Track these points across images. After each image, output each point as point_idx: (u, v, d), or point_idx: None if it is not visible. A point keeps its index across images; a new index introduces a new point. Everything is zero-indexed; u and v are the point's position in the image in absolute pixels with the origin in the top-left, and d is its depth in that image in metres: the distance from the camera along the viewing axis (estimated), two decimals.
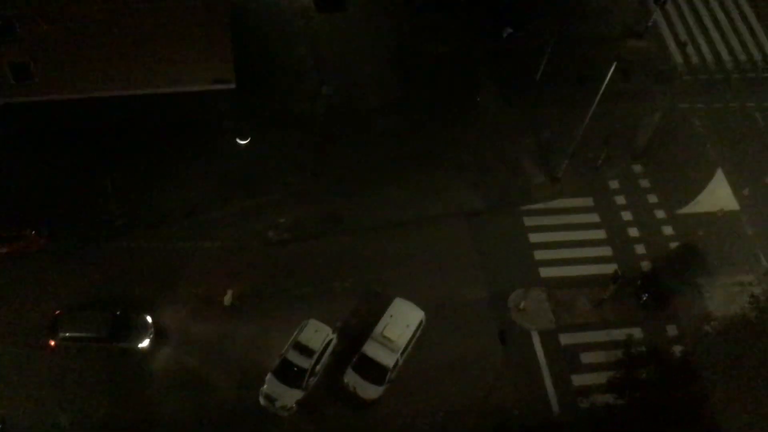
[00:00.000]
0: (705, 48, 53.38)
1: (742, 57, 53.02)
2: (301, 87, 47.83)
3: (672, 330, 41.27)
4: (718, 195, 46.38)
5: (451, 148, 46.52)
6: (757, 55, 53.21)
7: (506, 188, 45.41)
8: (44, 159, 42.86)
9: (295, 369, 36.58)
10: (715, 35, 54.18)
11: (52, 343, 37.12)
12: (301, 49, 49.73)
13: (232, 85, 43.38)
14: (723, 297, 42.29)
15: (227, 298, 39.18)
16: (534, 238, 43.71)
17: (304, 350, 36.90)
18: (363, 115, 47.29)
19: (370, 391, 36.95)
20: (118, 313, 37.78)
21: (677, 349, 40.32)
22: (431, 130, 47.20)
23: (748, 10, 55.68)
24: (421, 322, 38.79)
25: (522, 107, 48.73)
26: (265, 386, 36.62)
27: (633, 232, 44.59)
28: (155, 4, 38.48)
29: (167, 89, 42.62)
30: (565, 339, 40.48)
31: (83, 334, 36.90)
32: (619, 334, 40.36)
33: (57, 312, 37.76)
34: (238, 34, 46.90)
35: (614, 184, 46.34)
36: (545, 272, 42.48)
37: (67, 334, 36.91)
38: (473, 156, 46.41)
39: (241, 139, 40.43)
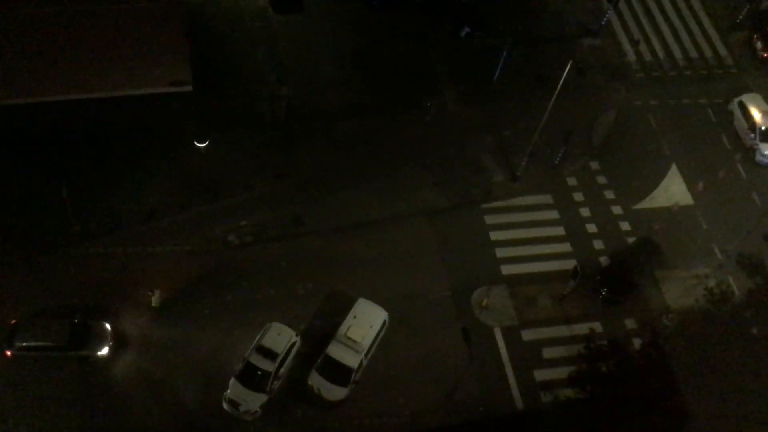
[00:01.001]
0: (658, 46, 54.39)
1: (694, 54, 54.14)
2: (259, 88, 47.52)
3: (630, 323, 41.95)
4: (672, 190, 47.28)
5: (411, 149, 46.66)
6: (708, 53, 54.37)
7: (467, 187, 45.70)
8: None
9: (259, 373, 36.36)
10: (667, 33, 55.24)
11: (8, 353, 36.32)
12: (259, 51, 49.42)
13: (190, 88, 42.91)
14: (679, 290, 43.16)
15: (155, 299, 38.66)
16: (495, 235, 44.08)
17: (268, 353, 36.68)
18: (323, 115, 47.17)
19: (334, 393, 36.90)
20: (76, 320, 37.11)
21: (636, 342, 41.08)
22: (391, 131, 47.30)
23: (698, 7, 56.89)
24: (384, 322, 38.85)
25: (481, 106, 49.10)
26: (228, 391, 36.31)
27: (591, 228, 45.23)
28: (111, 7, 37.91)
29: (123, 92, 41.98)
30: (527, 335, 40.89)
31: (41, 343, 36.18)
32: (579, 328, 41.05)
33: (13, 321, 36.93)
34: (196, 35, 46.44)
35: (572, 181, 46.97)
36: (507, 269, 42.87)
37: (24, 344, 36.14)
38: (434, 156, 46.62)
39: (200, 142, 40.00)
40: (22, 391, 36.09)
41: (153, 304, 38.73)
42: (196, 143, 39.98)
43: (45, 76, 40.25)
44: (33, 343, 36.18)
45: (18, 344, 36.15)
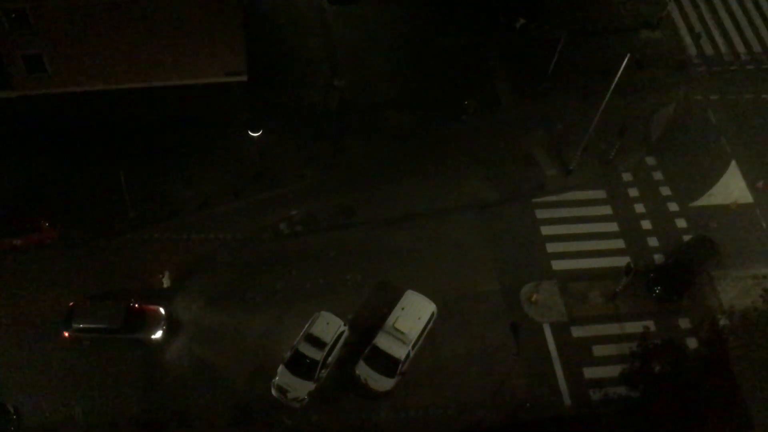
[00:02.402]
0: (719, 39, 52.94)
1: (757, 48, 52.55)
2: (313, 79, 47.83)
3: (684, 323, 41.07)
4: (731, 187, 46.06)
5: (463, 142, 46.42)
6: None
7: (518, 181, 45.26)
8: (57, 151, 43.13)
9: (307, 361, 36.68)
10: (729, 26, 53.71)
11: (66, 334, 37.40)
12: (314, 42, 49.70)
13: (245, 78, 43.41)
14: (736, 290, 42.05)
15: (165, 280, 39.22)
16: (546, 230, 43.58)
17: (316, 342, 36.99)
18: (376, 107, 47.23)
19: (381, 383, 37.02)
20: (131, 304, 37.99)
21: (690, 342, 40.19)
22: (443, 123, 47.08)
23: (762, 0, 55.12)
24: (432, 314, 38.79)
25: (535, 99, 48.52)
26: (277, 378, 36.76)
27: (646, 224, 44.36)
28: None
29: (179, 81, 42.72)
30: (576, 332, 40.38)
31: (97, 325, 37.15)
32: (631, 327, 40.34)
33: (71, 303, 38.00)
34: (251, 26, 46.90)
35: (627, 177, 46.10)
36: (557, 265, 42.36)
37: (81, 326, 37.17)
38: (486, 149, 46.28)
39: (254, 132, 40.44)
40: (78, 371, 37.12)
41: (164, 285, 39.31)
42: (249, 132, 40.44)
43: (103, 66, 41.15)
44: (89, 325, 37.16)
45: (75, 326, 37.18)
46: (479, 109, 47.25)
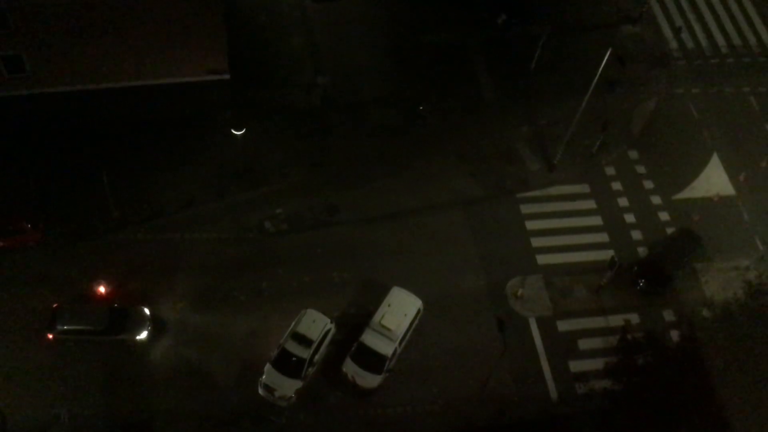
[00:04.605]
0: (700, 33, 53.34)
1: (737, 41, 52.99)
2: (296, 77, 47.72)
3: (668, 315, 41.42)
4: (713, 180, 46.47)
5: (447, 138, 46.49)
6: (751, 40, 53.17)
7: (502, 176, 45.42)
8: (39, 153, 42.76)
9: (294, 359, 36.66)
10: (709, 20, 54.13)
11: (50, 336, 37.13)
12: (296, 40, 49.58)
13: (227, 76, 43.24)
14: (719, 282, 42.42)
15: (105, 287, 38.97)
16: (531, 225, 43.77)
17: (303, 340, 36.96)
18: (360, 105, 47.21)
19: (368, 380, 37.06)
20: (115, 305, 37.81)
21: (675, 335, 40.51)
22: (427, 120, 47.12)
23: None
24: (418, 310, 38.88)
25: (518, 95, 48.66)
26: (263, 377, 36.70)
27: (629, 218, 44.67)
28: None
29: (161, 81, 42.48)
30: (562, 326, 40.61)
31: (81, 327, 36.93)
32: (616, 320, 40.64)
33: (55, 305, 37.73)
34: (233, 24, 46.72)
35: (610, 171, 46.39)
36: (542, 259, 42.57)
37: (65, 327, 36.93)
38: (469, 145, 46.39)
39: (236, 130, 40.31)
40: (63, 374, 36.86)
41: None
42: (232, 131, 40.31)
43: (84, 66, 40.86)
44: (73, 327, 36.93)
45: (59, 327, 36.93)
46: (434, 113, 47.05)
